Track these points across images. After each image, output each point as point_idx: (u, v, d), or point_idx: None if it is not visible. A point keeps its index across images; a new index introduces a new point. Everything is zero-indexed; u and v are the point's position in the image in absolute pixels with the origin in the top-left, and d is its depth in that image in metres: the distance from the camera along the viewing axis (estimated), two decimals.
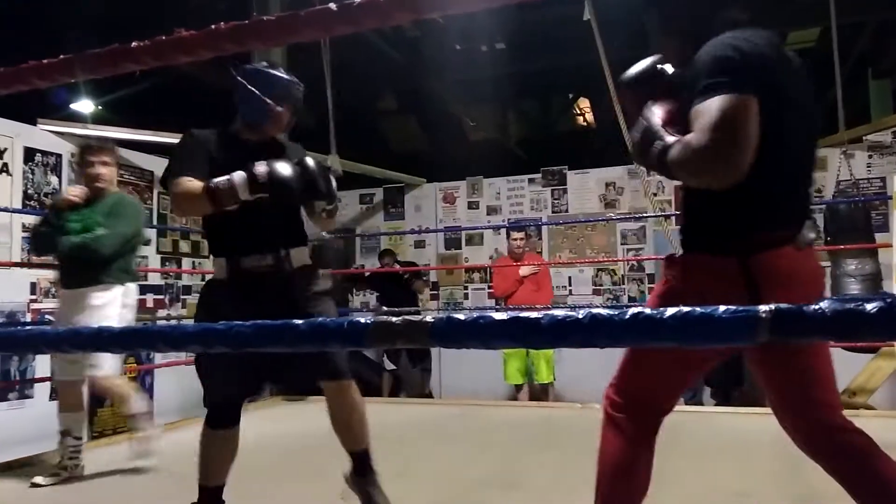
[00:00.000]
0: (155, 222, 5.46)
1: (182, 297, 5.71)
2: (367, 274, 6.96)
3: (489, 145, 10.45)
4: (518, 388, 5.48)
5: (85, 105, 8.61)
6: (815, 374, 1.46)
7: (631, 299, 6.44)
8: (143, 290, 5.34)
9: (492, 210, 7.12)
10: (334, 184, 2.07)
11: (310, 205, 2.13)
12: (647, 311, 0.61)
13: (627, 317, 0.61)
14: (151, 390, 5.27)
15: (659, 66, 1.57)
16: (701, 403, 5.15)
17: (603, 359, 2.42)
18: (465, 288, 7.16)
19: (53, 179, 4.62)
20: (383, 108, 10.03)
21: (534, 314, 0.64)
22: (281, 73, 2.17)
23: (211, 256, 2.20)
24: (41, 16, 6.73)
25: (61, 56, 1.08)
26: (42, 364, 4.41)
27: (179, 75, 7.61)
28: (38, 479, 2.91)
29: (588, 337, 0.63)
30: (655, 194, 6.18)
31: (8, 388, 4.22)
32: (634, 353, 1.53)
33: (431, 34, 7.56)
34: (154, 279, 5.47)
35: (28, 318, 4.38)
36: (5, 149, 4.31)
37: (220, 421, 2.12)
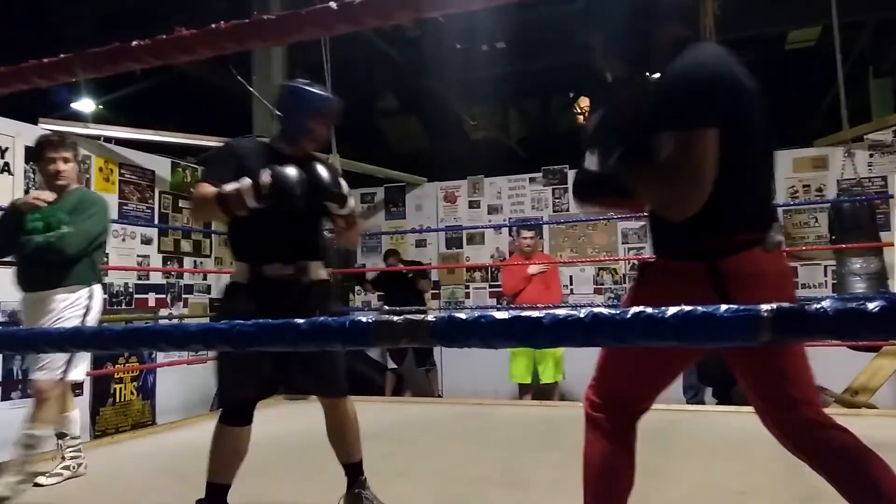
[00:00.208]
0: (156, 221, 5.46)
1: (184, 296, 5.71)
2: (370, 275, 6.93)
3: (490, 144, 10.45)
4: (524, 387, 5.44)
5: (86, 104, 8.62)
6: (793, 373, 1.48)
7: None
8: (145, 289, 5.34)
9: (493, 209, 7.12)
10: (346, 189, 2.13)
11: (330, 215, 2.20)
12: (649, 310, 0.61)
13: (629, 316, 0.61)
14: (153, 390, 5.27)
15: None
16: (703, 402, 5.14)
17: None
18: (467, 287, 7.16)
19: None
20: (384, 107, 10.03)
21: (535, 313, 0.64)
22: (318, 90, 2.27)
23: (233, 260, 2.30)
24: (41, 15, 6.73)
25: (62, 55, 1.09)
26: None
27: (180, 74, 7.62)
28: (42, 480, 2.92)
29: (590, 336, 0.63)
30: None
31: (11, 388, 4.22)
32: (610, 353, 1.56)
33: (432, 33, 7.56)
34: (156, 278, 5.48)
35: None
36: (6, 148, 4.31)
37: (234, 418, 2.20)
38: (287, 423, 4.15)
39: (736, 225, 1.46)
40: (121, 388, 5.02)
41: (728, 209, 1.44)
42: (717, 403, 5.11)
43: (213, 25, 0.99)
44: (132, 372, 5.11)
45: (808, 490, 2.35)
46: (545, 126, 11.57)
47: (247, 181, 1.95)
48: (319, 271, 2.27)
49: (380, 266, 7.00)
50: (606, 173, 1.50)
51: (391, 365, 6.44)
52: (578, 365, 5.59)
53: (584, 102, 11.38)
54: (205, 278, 5.97)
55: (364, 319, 0.71)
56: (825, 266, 5.88)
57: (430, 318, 0.68)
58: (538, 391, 5.47)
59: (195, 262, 5.85)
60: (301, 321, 0.73)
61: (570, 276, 6.73)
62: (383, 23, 1.00)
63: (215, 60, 6.17)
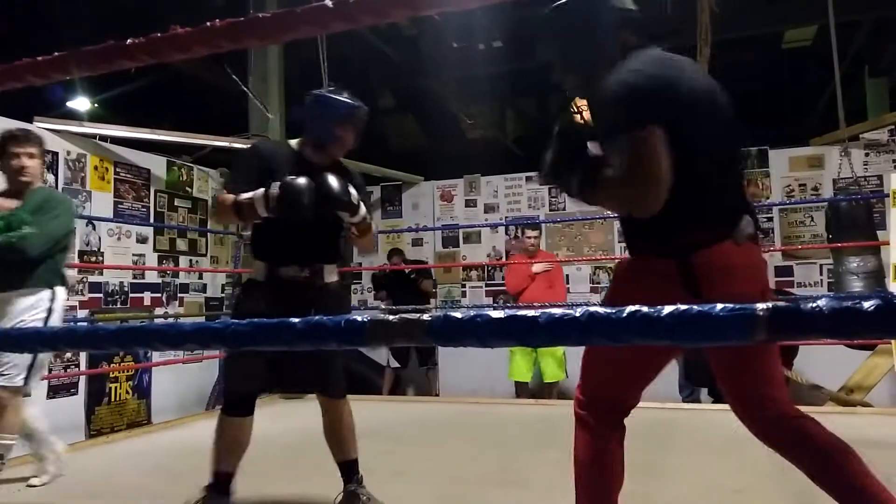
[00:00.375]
0: (152, 220, 5.45)
1: (179, 295, 5.70)
2: (380, 274, 6.91)
3: (487, 143, 10.45)
4: (521, 385, 5.43)
5: (81, 102, 8.59)
6: (766, 372, 1.53)
7: None
8: (141, 288, 5.33)
9: (489, 208, 7.12)
10: (356, 197, 2.19)
11: (344, 224, 2.29)
12: (645, 309, 0.61)
13: (625, 315, 0.61)
14: (149, 389, 5.26)
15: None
16: (698, 401, 5.15)
17: None
18: (463, 286, 7.16)
19: (50, 177, 4.60)
20: (381, 106, 10.02)
21: (531, 312, 0.64)
22: (344, 98, 2.30)
23: (253, 258, 2.39)
24: (36, 13, 6.70)
25: (56, 53, 1.08)
26: None
27: (176, 73, 7.60)
28: (34, 481, 2.90)
29: (586, 335, 0.63)
30: None
31: None
32: (592, 352, 1.60)
33: (429, 32, 7.55)
34: (151, 277, 5.46)
35: None
36: None
37: (237, 409, 2.28)
38: (283, 422, 4.14)
39: (704, 221, 1.49)
40: (116, 388, 5.00)
41: (694, 206, 1.48)
42: (713, 402, 5.12)
43: (209, 23, 0.99)
44: (128, 371, 5.10)
45: (801, 487, 2.35)
46: (542, 125, 11.58)
47: (259, 192, 2.07)
48: (333, 274, 2.37)
49: (376, 266, 7.00)
50: (575, 197, 1.57)
51: (393, 364, 6.43)
52: (580, 363, 5.60)
53: (581, 102, 11.39)
54: (200, 277, 5.95)
55: (359, 319, 0.70)
56: (821, 265, 5.90)
57: (426, 317, 0.67)
58: (539, 390, 5.47)
59: (191, 261, 5.84)
60: (296, 321, 0.73)
61: (567, 275, 6.73)
62: (379, 21, 0.99)
63: (211, 59, 6.16)
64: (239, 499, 2.40)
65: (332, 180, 2.10)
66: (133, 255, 5.27)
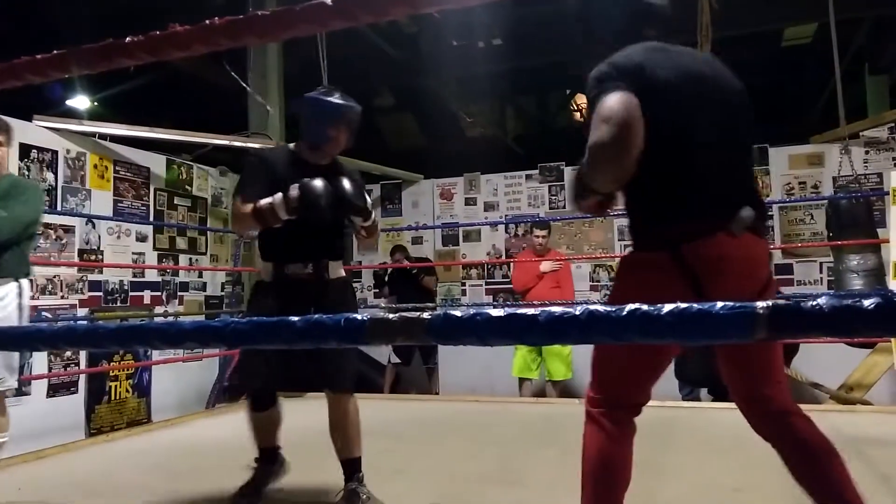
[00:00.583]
0: (152, 219, 5.44)
1: (179, 293, 5.70)
2: (381, 273, 6.90)
3: (486, 141, 10.45)
4: (524, 381, 5.42)
5: (81, 101, 8.58)
6: (770, 370, 1.55)
7: None
8: (140, 286, 5.33)
9: (489, 206, 7.11)
10: (369, 203, 2.33)
11: (350, 223, 2.38)
12: (644, 307, 0.61)
13: (625, 313, 0.61)
14: (149, 387, 5.26)
15: None
16: (698, 399, 5.15)
17: None
18: (463, 284, 7.16)
19: (49, 176, 4.60)
20: (380, 104, 10.01)
21: (531, 311, 0.64)
22: (335, 99, 2.37)
23: (260, 259, 2.49)
24: (36, 11, 6.70)
25: (56, 51, 1.08)
26: (39, 361, 4.40)
27: (175, 71, 7.59)
28: None
29: (586, 334, 0.63)
30: None
31: None
32: (602, 350, 1.60)
33: (428, 30, 7.54)
34: (151, 276, 5.46)
35: None
36: None
37: (262, 404, 2.45)
38: (285, 421, 4.13)
39: (693, 211, 1.49)
40: (116, 386, 5.01)
41: (682, 195, 1.49)
42: (713, 400, 5.12)
43: (208, 21, 0.99)
44: (128, 369, 5.10)
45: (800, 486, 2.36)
46: (542, 123, 11.58)
47: (279, 196, 2.14)
48: (339, 270, 2.44)
49: (376, 264, 7.00)
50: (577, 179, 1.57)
51: (394, 360, 6.42)
52: (586, 362, 5.58)
53: (581, 99, 11.39)
54: (200, 276, 5.95)
55: (359, 317, 0.70)
56: (821, 263, 5.90)
57: (425, 315, 0.67)
58: (543, 388, 5.46)
59: (190, 259, 5.84)
60: (296, 319, 0.73)
61: None
62: (379, 19, 0.99)
63: (211, 57, 6.15)
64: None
65: (347, 185, 2.20)
66: (133, 253, 5.27)
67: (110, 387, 4.96)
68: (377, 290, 7.09)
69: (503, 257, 6.86)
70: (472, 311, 0.66)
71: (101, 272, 4.97)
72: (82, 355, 4.70)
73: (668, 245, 1.46)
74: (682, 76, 1.50)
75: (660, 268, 1.47)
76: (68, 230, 4.71)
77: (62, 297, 4.66)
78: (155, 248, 5.48)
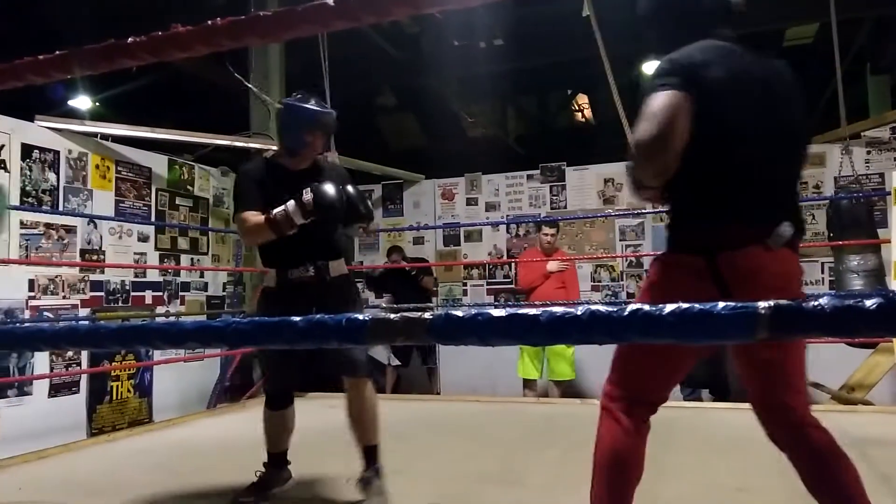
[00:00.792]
0: (153, 219, 5.45)
1: (180, 293, 5.70)
2: (375, 274, 6.89)
3: (487, 141, 10.45)
4: (529, 382, 5.41)
5: (83, 101, 8.59)
6: (791, 378, 1.54)
7: (629, 295, 6.44)
8: (142, 286, 5.33)
9: (490, 206, 7.11)
10: (371, 205, 2.43)
11: (351, 225, 2.46)
12: (646, 307, 0.61)
13: (626, 313, 0.61)
14: (150, 387, 5.26)
15: None
16: (700, 399, 5.15)
17: None
18: (464, 284, 7.15)
19: (51, 176, 4.61)
20: (382, 104, 10.01)
21: (533, 311, 0.64)
22: (310, 105, 2.44)
23: (264, 267, 2.56)
24: (37, 12, 6.70)
25: (57, 52, 1.08)
26: (41, 361, 4.41)
27: (177, 71, 7.60)
28: None
29: (587, 334, 0.63)
30: None
31: (7, 385, 4.21)
32: (624, 348, 1.59)
33: (430, 31, 7.54)
34: (152, 276, 5.47)
35: (26, 314, 4.37)
36: (2, 145, 4.29)
37: (279, 403, 2.52)
38: None
39: (730, 217, 1.47)
40: (117, 386, 5.01)
41: (721, 196, 1.47)
42: (714, 401, 5.12)
43: (210, 22, 0.99)
44: (129, 369, 5.10)
45: (803, 487, 2.36)
46: (543, 123, 11.57)
47: (291, 203, 2.21)
48: (341, 268, 2.51)
49: (377, 264, 6.99)
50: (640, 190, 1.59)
51: (394, 362, 6.43)
52: (589, 362, 5.61)
53: (582, 99, 11.37)
54: (202, 276, 5.96)
55: (361, 317, 0.70)
56: (822, 263, 5.89)
57: (427, 315, 0.67)
58: (547, 388, 5.45)
59: (192, 259, 5.84)
60: (297, 319, 0.73)
61: None
62: (380, 19, 0.99)
63: (212, 57, 6.15)
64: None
65: (354, 193, 2.29)
66: (134, 253, 5.27)
67: (112, 387, 4.96)
68: (377, 294, 7.08)
69: (504, 257, 6.86)
70: (473, 311, 0.66)
71: (102, 272, 4.97)
72: (84, 355, 4.70)
73: (705, 251, 1.45)
74: (739, 80, 1.50)
75: (694, 273, 1.47)
76: (70, 230, 4.71)
77: (64, 298, 4.66)
78: (156, 249, 5.49)
